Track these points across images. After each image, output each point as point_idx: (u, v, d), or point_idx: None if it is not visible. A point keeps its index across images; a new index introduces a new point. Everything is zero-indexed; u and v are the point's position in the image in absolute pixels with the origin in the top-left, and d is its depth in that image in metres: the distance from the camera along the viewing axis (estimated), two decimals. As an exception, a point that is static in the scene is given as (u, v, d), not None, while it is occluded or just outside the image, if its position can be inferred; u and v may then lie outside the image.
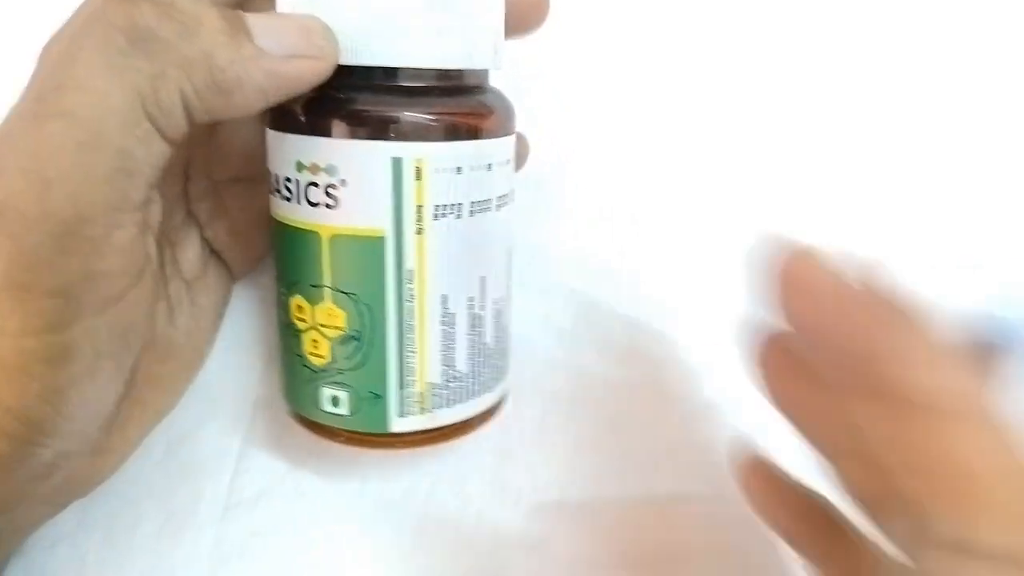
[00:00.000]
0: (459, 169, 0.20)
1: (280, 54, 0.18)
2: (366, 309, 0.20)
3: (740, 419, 0.25)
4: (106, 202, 0.17)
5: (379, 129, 0.19)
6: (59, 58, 0.17)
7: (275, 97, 0.18)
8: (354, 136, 0.19)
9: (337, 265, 0.20)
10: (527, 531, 0.26)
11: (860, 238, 0.21)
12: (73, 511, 0.22)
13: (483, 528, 0.26)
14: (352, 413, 0.21)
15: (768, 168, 0.27)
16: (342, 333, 0.20)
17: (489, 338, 0.22)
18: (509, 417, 0.25)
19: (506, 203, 0.22)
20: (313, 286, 0.20)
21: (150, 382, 0.22)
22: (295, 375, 0.22)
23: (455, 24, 0.19)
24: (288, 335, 0.21)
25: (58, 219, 0.16)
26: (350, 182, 0.19)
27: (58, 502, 0.21)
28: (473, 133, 0.20)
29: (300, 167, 0.19)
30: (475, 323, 0.21)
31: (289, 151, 0.20)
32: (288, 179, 0.20)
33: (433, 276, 0.20)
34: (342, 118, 0.19)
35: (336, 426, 0.21)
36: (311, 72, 0.18)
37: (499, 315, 0.22)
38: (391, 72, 0.19)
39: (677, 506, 0.26)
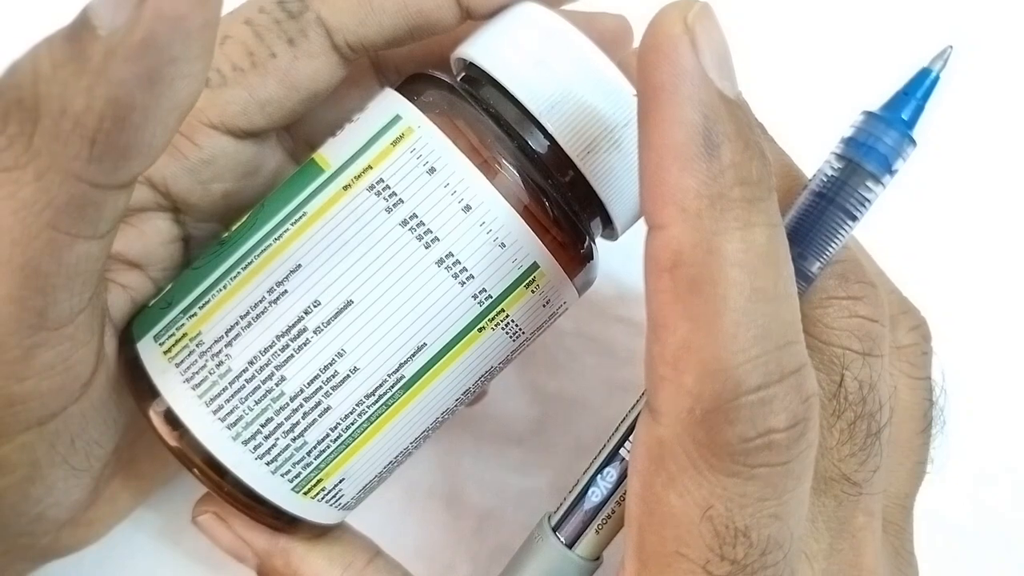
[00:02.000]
0: (455, 194, 0.16)
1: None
2: (250, 225, 0.17)
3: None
4: (16, 324, 0.15)
5: (415, 91, 0.17)
6: None
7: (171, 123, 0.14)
8: (405, 89, 0.17)
9: (284, 181, 0.18)
10: (527, 533, 0.24)
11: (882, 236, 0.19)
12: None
13: (482, 530, 0.25)
14: (148, 306, 0.18)
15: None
16: (224, 233, 0.18)
17: (292, 382, 0.16)
18: (510, 417, 0.25)
19: (492, 311, 0.17)
20: (260, 200, 0.18)
21: (154, 458, 0.20)
22: None
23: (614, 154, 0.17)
24: None
25: None
26: (358, 120, 0.18)
27: (41, 560, 0.20)
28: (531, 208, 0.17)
29: (361, 108, 0.18)
30: (294, 333, 0.16)
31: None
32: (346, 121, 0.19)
33: (308, 237, 0.16)
34: (423, 78, 0.18)
35: (128, 326, 0.18)
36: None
37: (334, 383, 0.16)
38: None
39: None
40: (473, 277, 0.16)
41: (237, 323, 0.16)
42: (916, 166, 0.16)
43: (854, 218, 0.16)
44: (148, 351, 0.17)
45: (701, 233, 0.13)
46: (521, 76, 0.17)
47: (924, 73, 0.15)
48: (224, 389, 0.16)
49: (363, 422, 0.17)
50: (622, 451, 0.16)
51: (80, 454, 0.18)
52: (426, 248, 0.16)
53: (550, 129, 0.17)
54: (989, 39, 0.28)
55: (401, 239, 0.16)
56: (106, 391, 0.18)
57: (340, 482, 0.17)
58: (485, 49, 0.17)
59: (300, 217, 0.17)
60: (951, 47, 0.15)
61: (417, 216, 0.16)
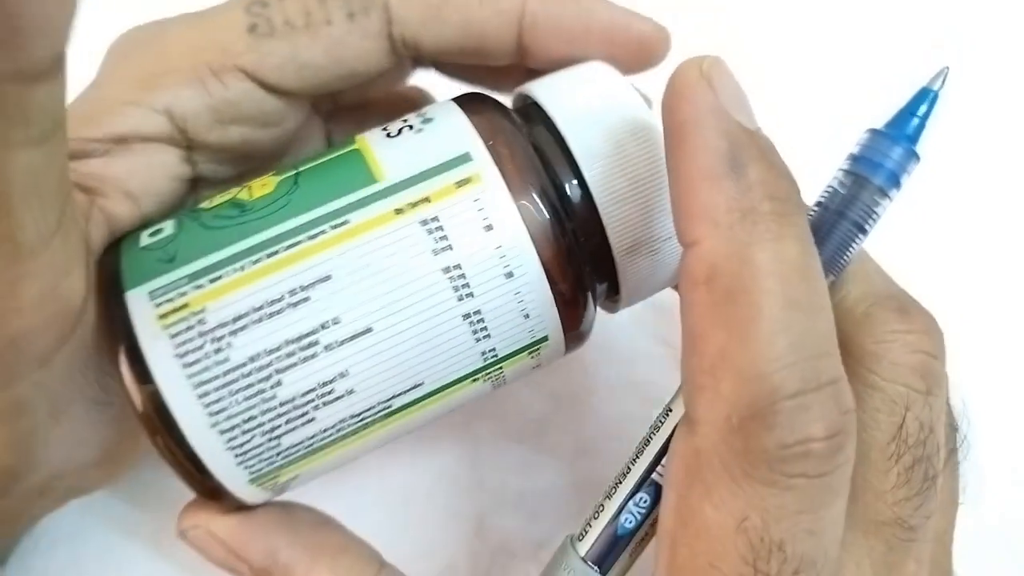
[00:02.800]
0: (504, 258, 0.16)
1: None
2: (280, 203, 0.17)
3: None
4: None
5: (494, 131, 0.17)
6: None
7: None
8: (478, 121, 0.17)
9: (323, 163, 0.17)
10: (527, 533, 0.24)
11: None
12: (72, 514, 0.22)
13: (483, 530, 0.25)
14: (140, 247, 0.17)
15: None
16: (245, 198, 0.17)
17: (287, 388, 0.16)
18: (510, 417, 0.25)
19: (492, 367, 0.17)
20: (290, 164, 0.18)
21: None
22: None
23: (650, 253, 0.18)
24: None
25: None
26: (421, 132, 0.17)
27: (64, 499, 0.20)
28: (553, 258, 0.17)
29: (419, 112, 0.18)
30: (305, 343, 0.16)
31: (435, 104, 0.18)
32: (401, 120, 0.18)
33: (346, 250, 0.16)
34: (496, 114, 0.17)
35: (112, 257, 0.17)
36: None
37: (327, 400, 0.16)
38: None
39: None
40: (489, 337, 0.17)
41: (248, 314, 0.16)
42: (920, 177, 0.17)
43: (864, 231, 0.16)
44: (140, 306, 0.16)
45: (734, 244, 0.14)
46: (599, 164, 0.17)
47: (924, 92, 0.16)
48: (216, 377, 0.16)
49: (338, 437, 0.17)
50: (654, 475, 0.16)
51: (95, 386, 0.17)
52: (459, 300, 0.16)
53: (607, 225, 0.17)
54: (986, 44, 0.30)
55: (438, 284, 0.16)
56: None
57: (292, 479, 0.17)
58: (571, 121, 0.17)
59: (342, 224, 0.16)
60: (948, 67, 0.16)
61: (461, 268, 0.16)
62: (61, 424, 0.17)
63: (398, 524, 0.24)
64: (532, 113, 0.18)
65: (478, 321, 0.16)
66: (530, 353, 0.17)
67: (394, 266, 0.16)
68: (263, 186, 0.17)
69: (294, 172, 0.17)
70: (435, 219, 0.16)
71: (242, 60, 0.18)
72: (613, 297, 0.19)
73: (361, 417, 0.17)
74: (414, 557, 0.23)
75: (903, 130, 0.16)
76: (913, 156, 0.16)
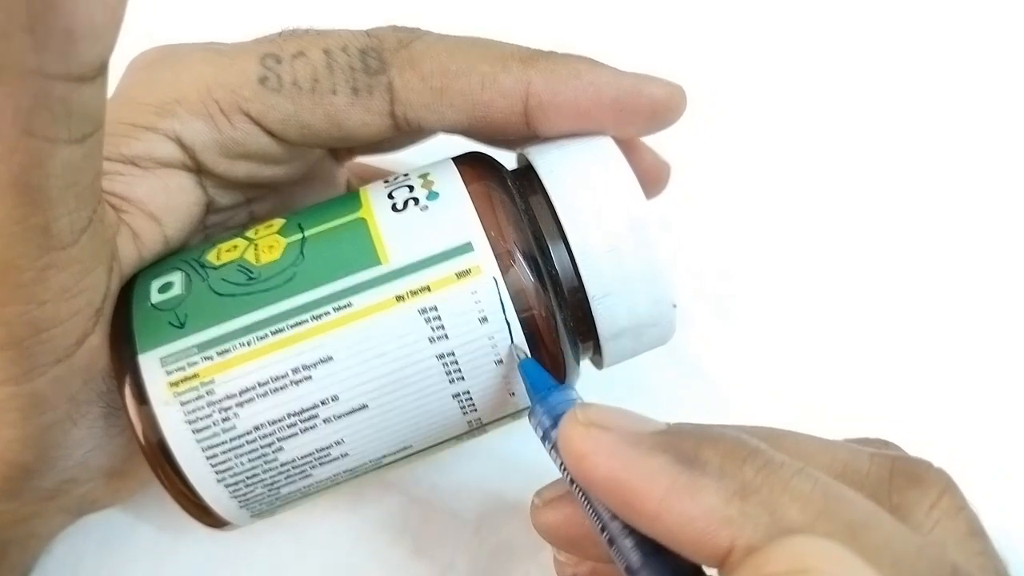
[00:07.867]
0: (495, 347, 0.17)
1: None
2: (287, 274, 0.17)
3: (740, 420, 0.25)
4: (24, 244, 0.15)
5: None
6: None
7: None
8: (481, 205, 0.17)
9: (329, 230, 0.18)
10: (527, 536, 0.24)
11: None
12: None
13: (483, 533, 0.25)
14: (151, 303, 0.17)
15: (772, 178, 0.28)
16: (252, 262, 0.17)
17: (288, 452, 0.17)
18: None
19: (478, 431, 0.19)
20: (298, 217, 0.18)
21: None
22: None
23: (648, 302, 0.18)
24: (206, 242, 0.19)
25: None
26: (429, 212, 0.17)
27: (77, 513, 0.21)
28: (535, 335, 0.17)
29: (423, 176, 0.18)
30: (305, 416, 0.17)
31: (437, 167, 0.19)
32: (403, 175, 0.19)
33: (347, 334, 0.17)
34: (499, 191, 0.18)
35: (124, 310, 0.17)
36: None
37: (323, 460, 0.18)
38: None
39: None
40: (476, 410, 0.18)
41: (254, 388, 0.17)
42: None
43: None
44: (152, 372, 0.17)
45: (762, 527, 0.13)
46: (596, 262, 0.17)
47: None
48: (223, 442, 0.17)
49: (332, 485, 0.18)
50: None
51: (113, 392, 0.18)
52: (450, 383, 0.17)
53: (597, 317, 0.18)
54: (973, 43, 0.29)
55: (432, 369, 0.17)
56: None
57: (281, 507, 0.19)
58: (573, 219, 0.18)
59: (345, 306, 0.17)
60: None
61: (454, 355, 0.17)
62: (79, 426, 0.18)
63: (398, 523, 0.25)
64: (533, 180, 0.18)
65: (467, 399, 0.17)
66: (514, 417, 0.18)
67: (391, 352, 0.17)
68: (270, 249, 0.18)
69: (300, 237, 0.18)
70: (434, 308, 0.17)
71: (248, 106, 0.18)
72: (597, 359, 0.20)
73: (354, 471, 0.18)
74: (414, 556, 0.24)
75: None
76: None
